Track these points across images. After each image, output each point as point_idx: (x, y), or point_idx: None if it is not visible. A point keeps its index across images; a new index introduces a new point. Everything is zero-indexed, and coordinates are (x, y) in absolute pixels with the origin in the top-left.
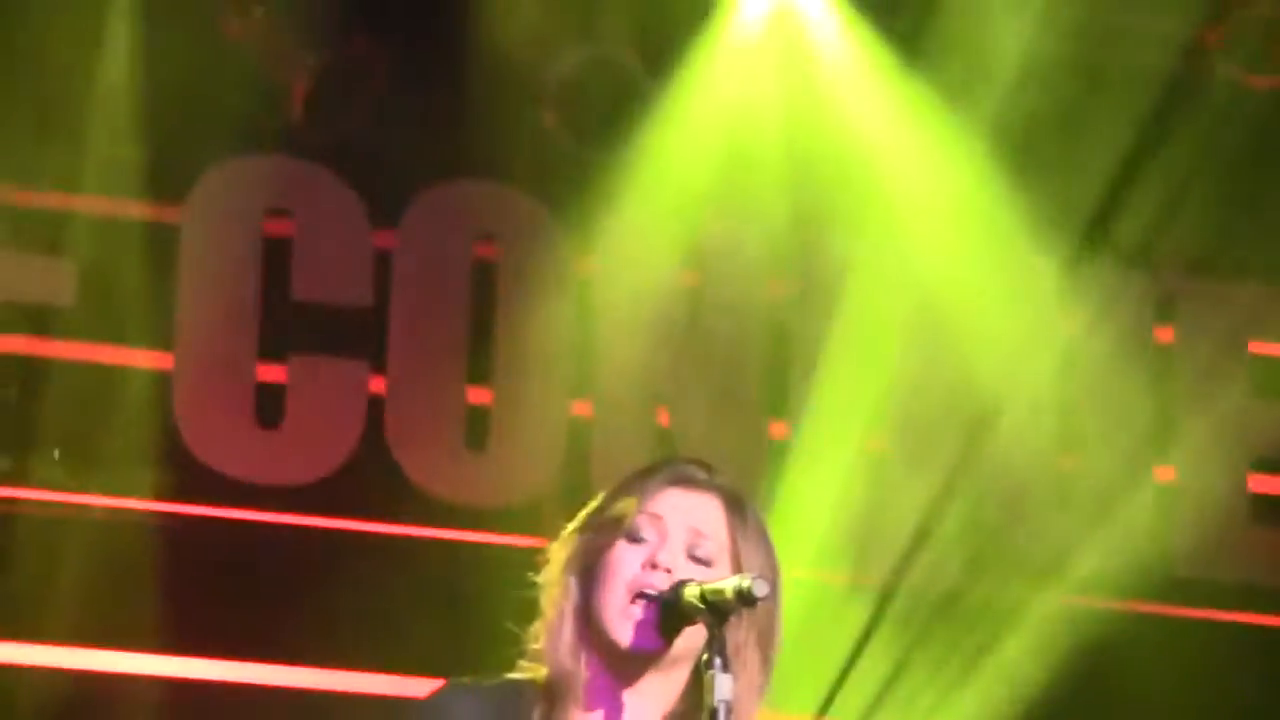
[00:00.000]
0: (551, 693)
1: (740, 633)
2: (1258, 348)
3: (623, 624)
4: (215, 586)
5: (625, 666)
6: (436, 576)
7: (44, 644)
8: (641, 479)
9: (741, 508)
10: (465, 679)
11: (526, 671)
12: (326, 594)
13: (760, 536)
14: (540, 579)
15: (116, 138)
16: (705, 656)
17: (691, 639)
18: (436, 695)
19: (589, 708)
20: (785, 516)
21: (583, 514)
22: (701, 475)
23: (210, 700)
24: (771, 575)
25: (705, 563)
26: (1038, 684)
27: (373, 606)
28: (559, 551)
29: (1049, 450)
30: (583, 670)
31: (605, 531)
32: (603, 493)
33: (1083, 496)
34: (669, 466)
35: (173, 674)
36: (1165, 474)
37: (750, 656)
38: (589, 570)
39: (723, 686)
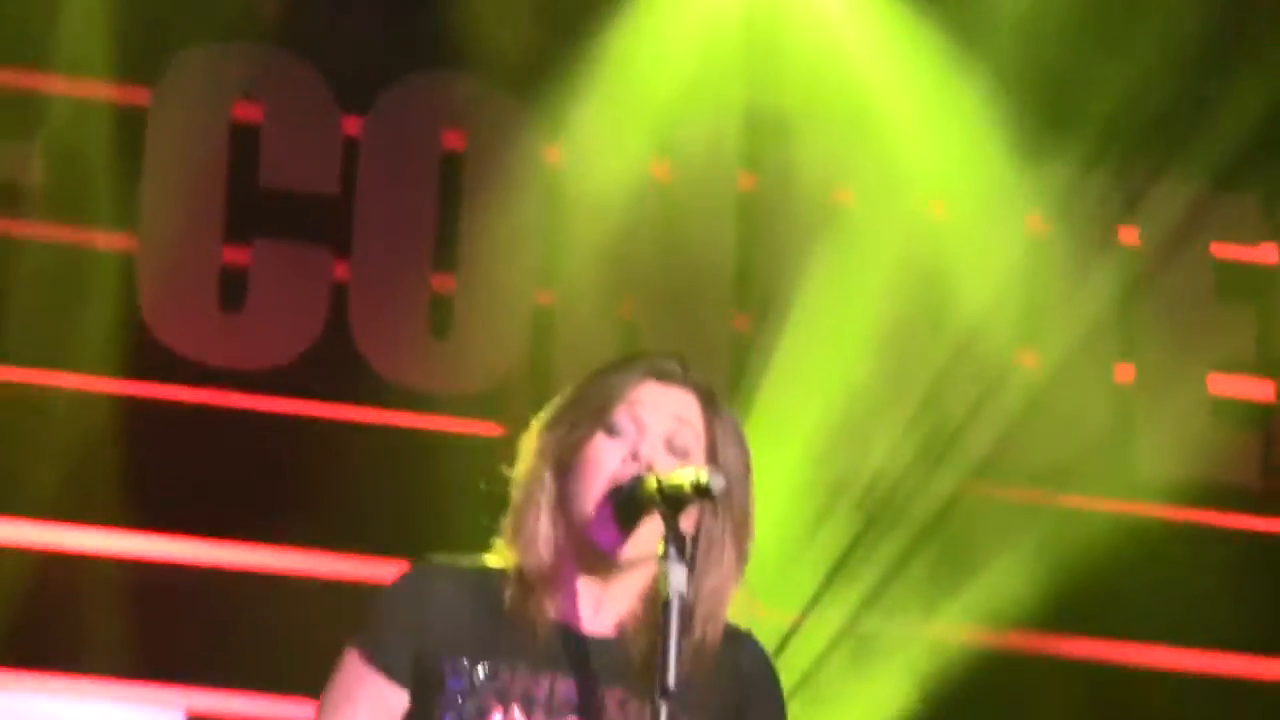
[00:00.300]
0: (524, 581)
1: (716, 526)
2: (1220, 250)
3: (593, 515)
4: (177, 468)
5: (600, 559)
6: (397, 463)
7: (9, 518)
8: (617, 372)
9: (716, 403)
10: (435, 558)
11: (495, 559)
12: (288, 478)
13: (734, 432)
14: (512, 472)
15: (88, 19)
16: (660, 548)
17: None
18: (408, 575)
19: (561, 597)
20: (748, 412)
21: (554, 406)
22: (678, 370)
23: (171, 580)
24: (743, 469)
25: (683, 453)
26: (1012, 585)
27: (334, 491)
28: (531, 445)
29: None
30: (557, 562)
31: (582, 425)
32: (571, 385)
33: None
34: (645, 361)
35: (135, 553)
36: (1125, 373)
37: (727, 548)
38: (565, 464)
39: (676, 578)
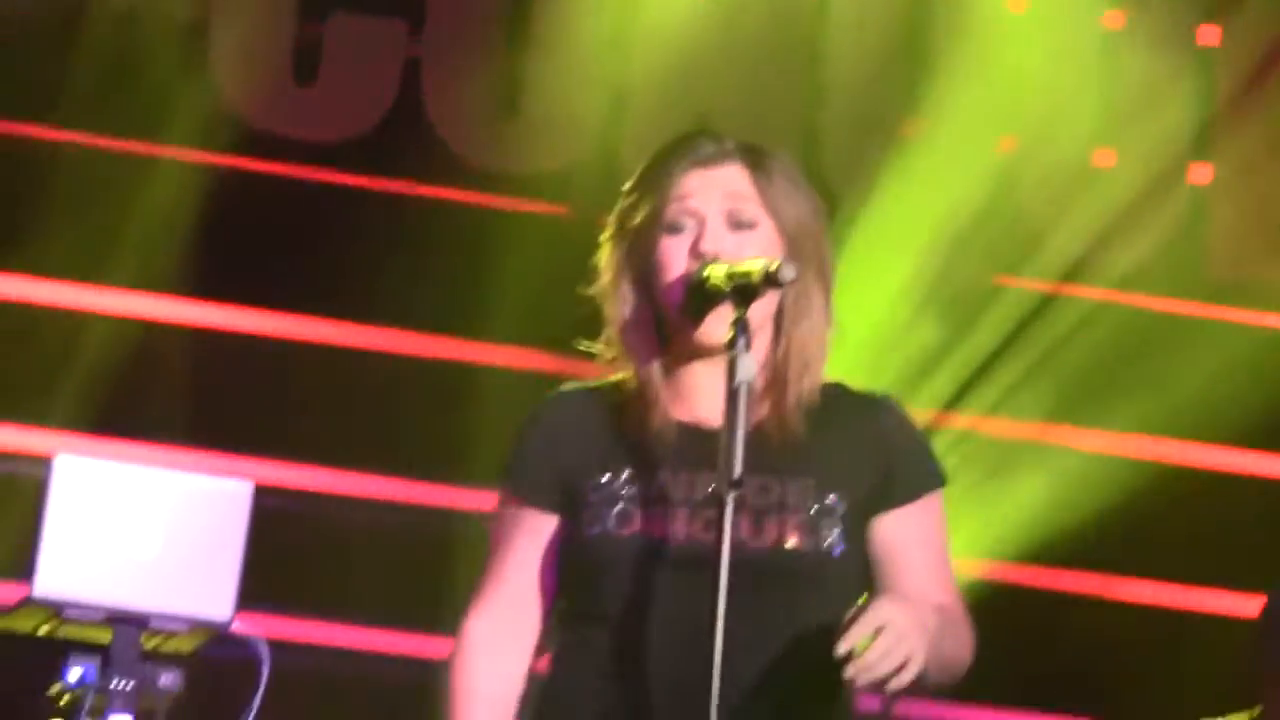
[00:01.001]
0: (641, 390)
1: (801, 279)
2: None
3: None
4: (247, 239)
5: (695, 353)
6: (466, 239)
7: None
8: (660, 169)
9: (763, 162)
10: (565, 386)
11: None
12: (356, 252)
13: (789, 183)
14: (597, 292)
15: None
16: (730, 336)
17: (767, 305)
18: (539, 408)
19: (679, 398)
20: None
21: (615, 216)
22: (715, 147)
23: (241, 351)
24: (812, 215)
25: (749, 226)
26: (1075, 375)
27: (401, 266)
28: (605, 259)
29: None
30: (663, 366)
31: (643, 233)
32: (626, 188)
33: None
34: (683, 149)
35: (208, 323)
36: (1202, 174)
37: (813, 295)
38: (642, 273)
39: (744, 367)
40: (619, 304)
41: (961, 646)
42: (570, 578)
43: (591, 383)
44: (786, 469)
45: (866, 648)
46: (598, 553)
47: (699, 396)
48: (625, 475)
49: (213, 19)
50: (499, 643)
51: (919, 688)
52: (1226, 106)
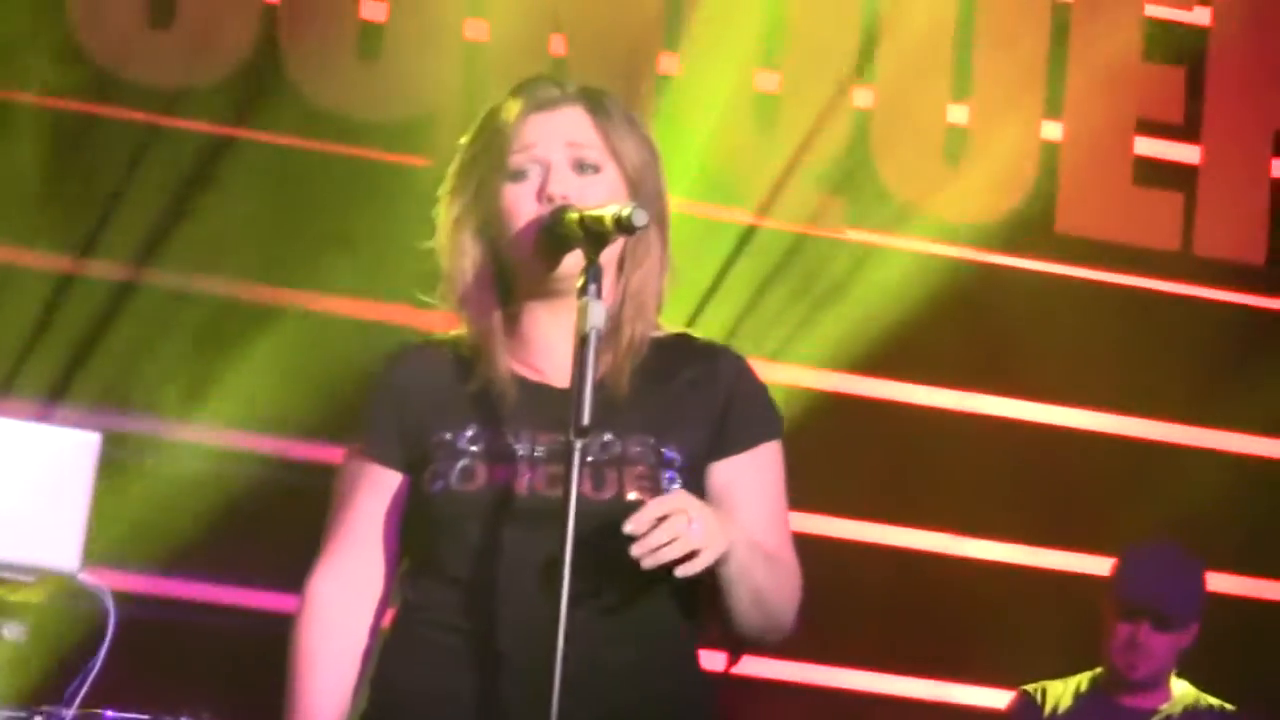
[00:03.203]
0: (478, 344)
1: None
2: (1152, 9)
3: (524, 257)
4: (95, 185)
5: (538, 299)
6: (320, 189)
7: None
8: (500, 117)
9: (603, 105)
10: (411, 342)
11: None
12: (211, 202)
13: (629, 125)
14: (435, 244)
15: None
16: (581, 282)
17: (614, 251)
18: (385, 364)
19: (516, 352)
20: (666, 150)
21: (453, 172)
22: (556, 91)
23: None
24: (650, 157)
25: (594, 169)
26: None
27: (253, 216)
28: (445, 214)
29: (937, 93)
30: (500, 318)
31: (486, 181)
32: (463, 142)
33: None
34: (522, 95)
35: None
36: (1052, 129)
37: (652, 242)
38: (484, 223)
39: (595, 314)
40: (458, 256)
41: (784, 593)
42: (414, 534)
43: (436, 336)
44: (625, 422)
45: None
46: (441, 509)
47: (540, 350)
48: (470, 432)
49: None
50: (345, 601)
51: (738, 630)
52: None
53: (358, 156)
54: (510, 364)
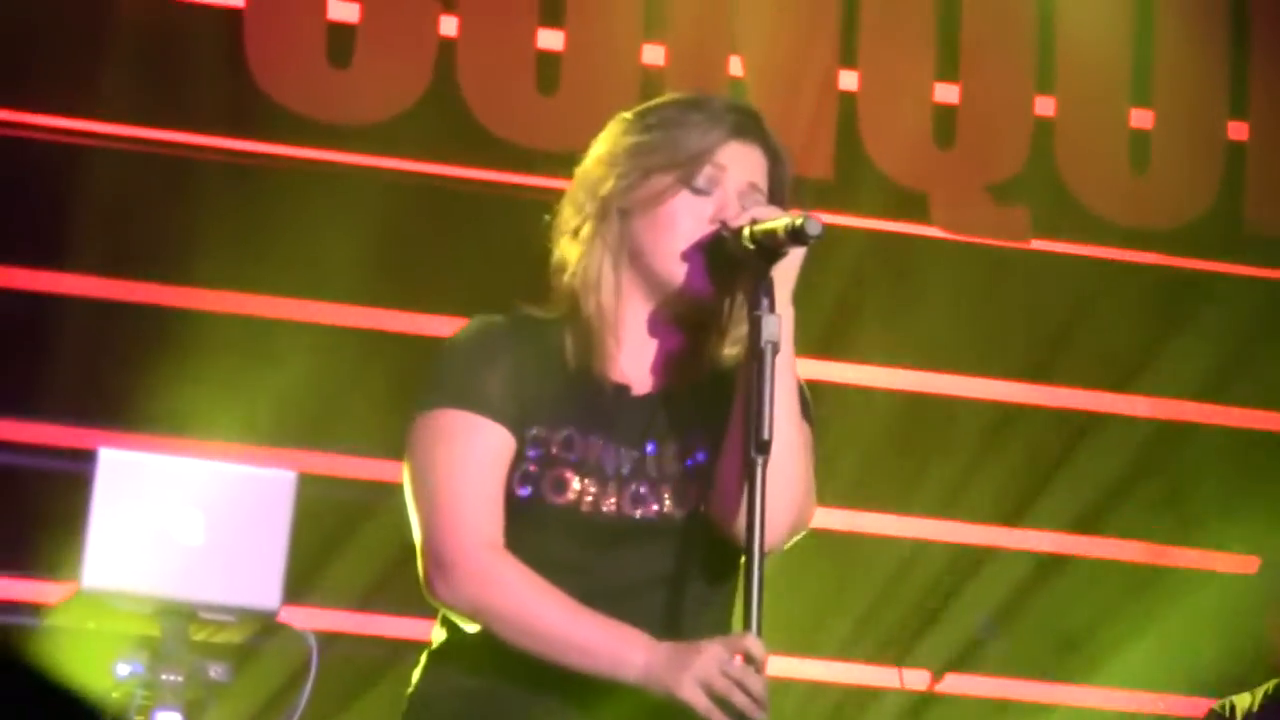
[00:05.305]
0: (585, 331)
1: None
2: None
3: (680, 268)
4: (279, 225)
5: (664, 307)
6: (502, 220)
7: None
8: (703, 125)
9: (781, 162)
10: (492, 316)
11: (543, 310)
12: (391, 237)
13: (786, 184)
14: (563, 214)
15: None
16: (754, 298)
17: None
18: (474, 332)
19: (621, 354)
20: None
21: (619, 147)
22: (757, 127)
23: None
24: None
25: None
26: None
27: (436, 251)
28: (594, 186)
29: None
30: (618, 309)
31: (661, 175)
32: (632, 124)
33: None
34: (728, 114)
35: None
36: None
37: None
38: (639, 209)
39: (770, 327)
40: (603, 229)
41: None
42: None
43: (514, 317)
44: (692, 432)
45: None
46: (526, 515)
47: (633, 354)
48: (564, 434)
49: (248, 4)
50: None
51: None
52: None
53: (537, 188)
54: (611, 365)
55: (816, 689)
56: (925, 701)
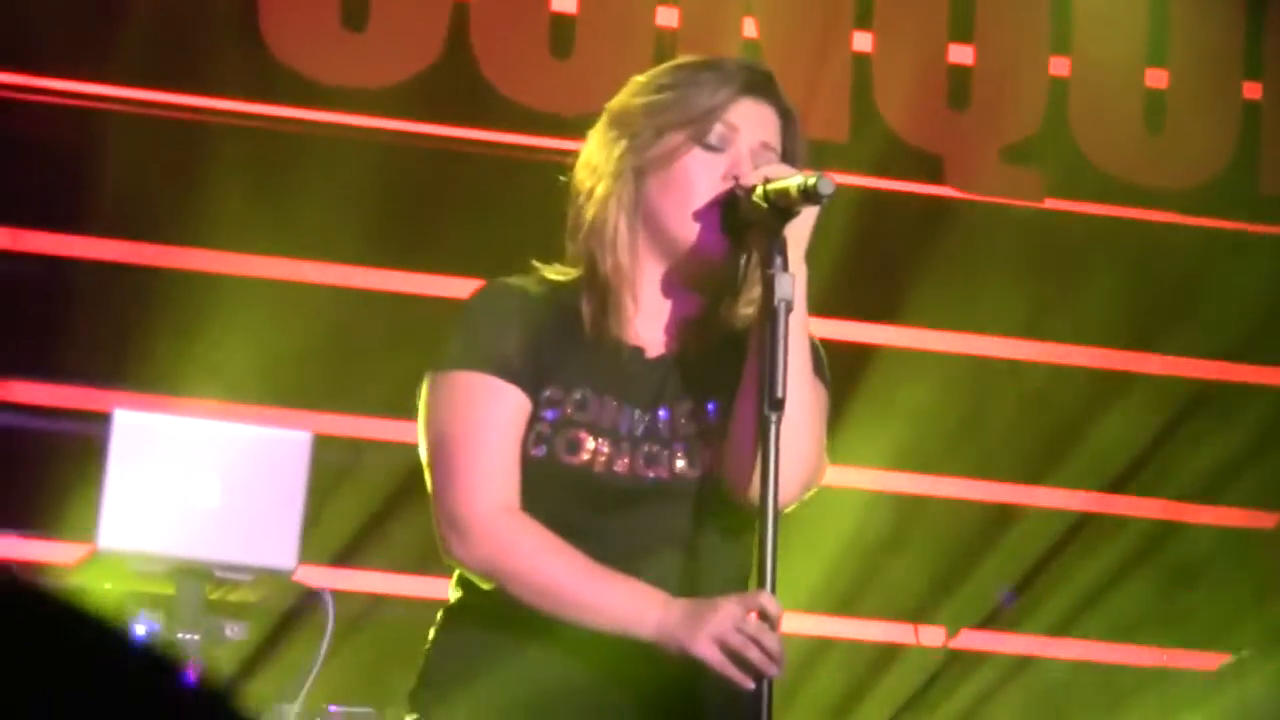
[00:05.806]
0: (600, 290)
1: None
2: None
3: (693, 227)
4: (293, 188)
5: (678, 267)
6: (517, 183)
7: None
8: (711, 84)
9: (794, 121)
10: (509, 278)
11: (557, 271)
12: (408, 200)
13: (804, 147)
14: (585, 169)
15: None
16: (767, 256)
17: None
18: (490, 293)
19: (636, 313)
20: (863, 127)
21: (633, 107)
22: (769, 85)
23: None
24: None
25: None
26: None
27: (455, 215)
28: (609, 145)
29: (1134, 63)
30: (633, 268)
31: (673, 133)
32: (645, 84)
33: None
34: (740, 72)
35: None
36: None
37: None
38: (652, 167)
39: (784, 285)
40: (618, 188)
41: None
42: None
43: (530, 278)
44: (704, 393)
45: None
46: (539, 474)
47: (648, 315)
48: (578, 395)
49: None
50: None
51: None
52: None
53: (552, 149)
54: (626, 325)
55: (831, 646)
56: (944, 659)
